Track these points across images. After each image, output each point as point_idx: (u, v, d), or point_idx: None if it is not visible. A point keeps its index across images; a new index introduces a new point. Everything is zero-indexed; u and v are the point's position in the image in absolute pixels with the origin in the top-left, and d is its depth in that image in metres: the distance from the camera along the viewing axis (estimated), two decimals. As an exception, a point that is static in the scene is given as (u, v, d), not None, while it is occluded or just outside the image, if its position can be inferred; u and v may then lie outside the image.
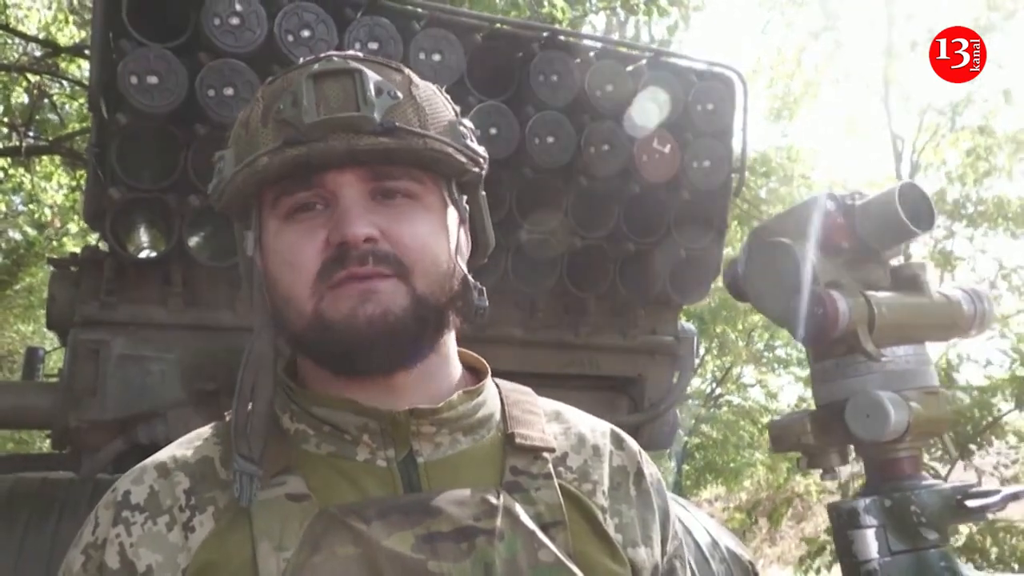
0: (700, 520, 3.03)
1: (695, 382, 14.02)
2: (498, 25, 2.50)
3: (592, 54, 2.54)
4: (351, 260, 0.82)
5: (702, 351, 13.61)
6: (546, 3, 4.81)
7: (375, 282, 0.83)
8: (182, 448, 0.91)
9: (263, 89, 0.90)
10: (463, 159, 0.89)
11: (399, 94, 0.86)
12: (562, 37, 2.52)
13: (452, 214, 0.92)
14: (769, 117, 12.87)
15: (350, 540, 0.79)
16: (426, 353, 0.88)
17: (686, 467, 13.90)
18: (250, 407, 0.87)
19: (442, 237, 0.89)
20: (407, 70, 0.91)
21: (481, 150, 0.93)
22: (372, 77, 0.85)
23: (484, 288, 0.93)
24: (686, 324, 2.99)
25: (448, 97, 0.94)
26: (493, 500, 0.83)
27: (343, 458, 0.86)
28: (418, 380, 0.89)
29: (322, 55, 0.90)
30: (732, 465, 13.34)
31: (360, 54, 0.91)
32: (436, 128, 0.87)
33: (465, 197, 0.96)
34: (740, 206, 8.63)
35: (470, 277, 0.93)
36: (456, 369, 0.95)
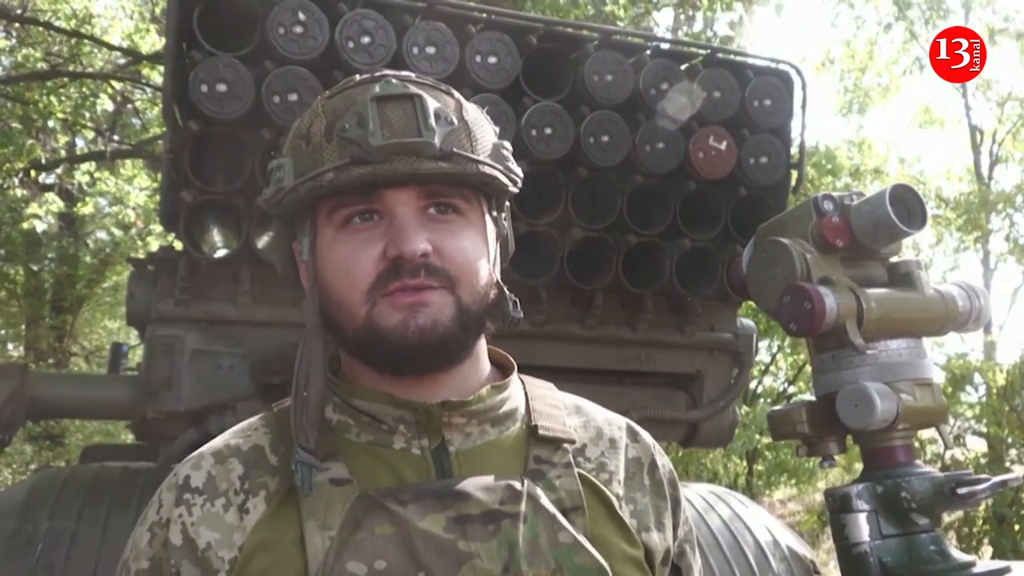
0: (761, 518, 3.01)
1: (767, 380, 13.78)
2: (551, 27, 2.53)
3: (647, 52, 2.56)
4: (405, 272, 0.89)
5: (775, 349, 13.38)
6: (609, 1, 4.81)
7: (425, 295, 0.90)
8: (235, 437, 0.99)
9: (323, 104, 0.97)
10: (507, 181, 0.98)
11: (454, 120, 0.94)
12: (616, 36, 2.54)
13: (491, 229, 1.00)
14: (841, 111, 12.58)
15: (388, 521, 0.86)
16: (465, 357, 0.96)
17: (758, 467, 13.66)
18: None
19: (483, 251, 0.97)
20: (456, 93, 0.99)
21: (519, 170, 1.01)
22: (431, 103, 0.93)
23: (517, 300, 1.01)
24: (745, 321, 2.98)
25: (489, 117, 1.02)
26: (517, 486, 0.90)
27: (381, 446, 0.94)
28: (452, 377, 0.96)
29: (379, 75, 0.97)
30: (807, 465, 13.05)
31: (413, 76, 0.98)
32: (484, 151, 0.95)
33: (504, 215, 1.04)
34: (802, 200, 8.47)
35: (506, 289, 1.01)
36: (485, 365, 1.03)
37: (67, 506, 2.35)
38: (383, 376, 0.95)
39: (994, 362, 9.51)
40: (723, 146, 2.50)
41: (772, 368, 13.82)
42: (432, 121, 0.91)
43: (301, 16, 2.16)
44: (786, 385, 14.16)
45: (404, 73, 0.98)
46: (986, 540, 8.70)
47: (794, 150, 2.68)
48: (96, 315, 13.24)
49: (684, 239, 2.55)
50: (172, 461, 2.36)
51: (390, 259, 0.90)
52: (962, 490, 1.97)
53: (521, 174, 1.01)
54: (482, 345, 1.01)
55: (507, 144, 1.00)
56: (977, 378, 8.99)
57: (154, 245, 9.84)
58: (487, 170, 0.94)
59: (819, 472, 13.37)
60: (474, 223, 0.96)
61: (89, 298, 12.10)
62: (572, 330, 2.66)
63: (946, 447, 6.78)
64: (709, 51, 2.63)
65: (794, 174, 2.67)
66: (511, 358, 1.05)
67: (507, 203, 1.05)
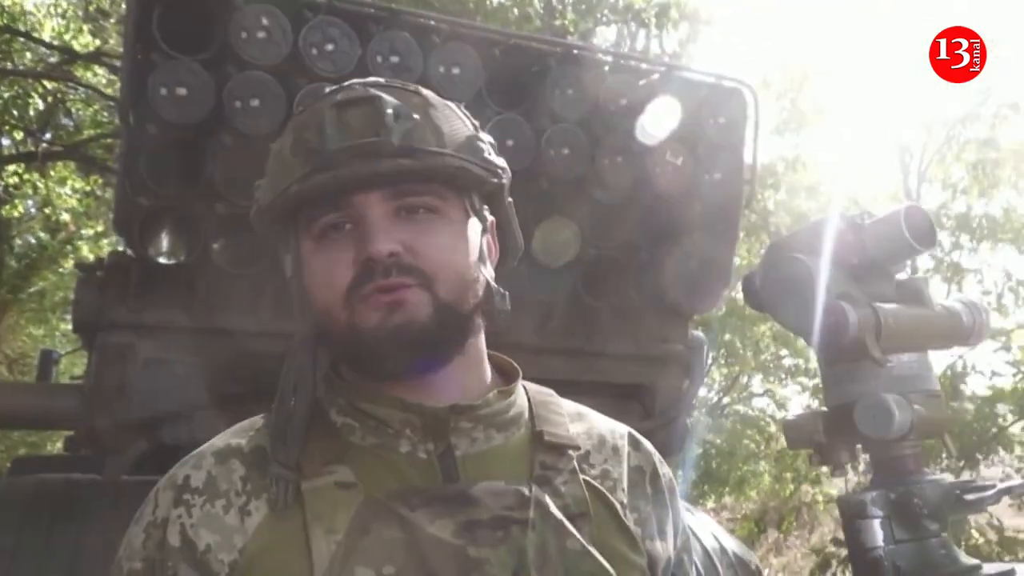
0: (707, 525, 3.07)
1: (701, 391, 14.00)
2: (514, 41, 2.55)
3: (606, 68, 2.60)
4: (377, 274, 0.89)
5: (710, 360, 13.61)
6: (558, 16, 4.87)
7: (401, 293, 0.89)
8: (237, 437, 0.97)
9: (293, 120, 0.97)
10: (481, 172, 0.95)
11: (416, 116, 0.92)
12: (577, 51, 2.58)
13: (474, 224, 0.98)
14: (777, 130, 12.89)
15: (396, 525, 0.85)
16: (452, 356, 0.95)
17: (692, 477, 13.84)
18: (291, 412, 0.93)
19: (463, 247, 0.95)
20: (425, 92, 0.97)
21: (500, 161, 0.99)
22: (390, 102, 0.91)
23: (507, 293, 1.00)
24: (696, 333, 3.03)
25: (467, 113, 1.00)
26: (526, 492, 0.89)
27: (387, 449, 0.93)
28: (451, 380, 0.95)
29: (346, 84, 0.96)
30: (738, 474, 13.28)
31: (382, 80, 0.97)
32: (453, 145, 0.93)
33: (487, 207, 1.02)
34: (748, 217, 8.68)
35: (492, 282, 0.99)
36: (487, 370, 1.02)
37: (6, 521, 2.27)
38: (381, 382, 0.94)
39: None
40: (679, 161, 2.55)
41: (707, 379, 14.05)
42: (390, 120, 0.90)
43: (264, 21, 2.13)
44: (720, 396, 14.42)
45: (372, 79, 0.97)
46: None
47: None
48: (20, 322, 12.77)
49: (641, 252, 2.59)
50: (121, 473, 2.30)
51: (361, 263, 0.89)
52: (970, 496, 2.06)
53: (504, 166, 0.99)
54: (480, 348, 1.01)
55: (485, 136, 0.98)
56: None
57: (85, 249, 9.57)
58: (452, 162, 0.92)
59: (750, 482, 13.63)
60: (453, 220, 0.94)
61: (13, 304, 11.67)
62: (528, 340, 2.66)
63: (951, 455, 7.01)
64: (667, 68, 2.69)
65: (747, 189, 2.73)
66: (515, 364, 1.04)
67: (507, 199, 1.03)
